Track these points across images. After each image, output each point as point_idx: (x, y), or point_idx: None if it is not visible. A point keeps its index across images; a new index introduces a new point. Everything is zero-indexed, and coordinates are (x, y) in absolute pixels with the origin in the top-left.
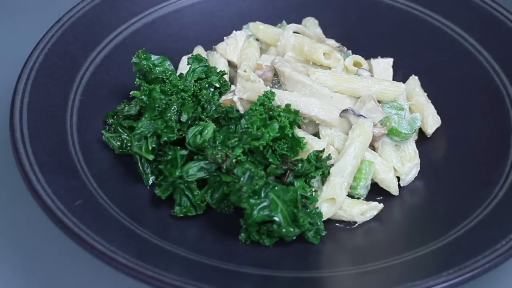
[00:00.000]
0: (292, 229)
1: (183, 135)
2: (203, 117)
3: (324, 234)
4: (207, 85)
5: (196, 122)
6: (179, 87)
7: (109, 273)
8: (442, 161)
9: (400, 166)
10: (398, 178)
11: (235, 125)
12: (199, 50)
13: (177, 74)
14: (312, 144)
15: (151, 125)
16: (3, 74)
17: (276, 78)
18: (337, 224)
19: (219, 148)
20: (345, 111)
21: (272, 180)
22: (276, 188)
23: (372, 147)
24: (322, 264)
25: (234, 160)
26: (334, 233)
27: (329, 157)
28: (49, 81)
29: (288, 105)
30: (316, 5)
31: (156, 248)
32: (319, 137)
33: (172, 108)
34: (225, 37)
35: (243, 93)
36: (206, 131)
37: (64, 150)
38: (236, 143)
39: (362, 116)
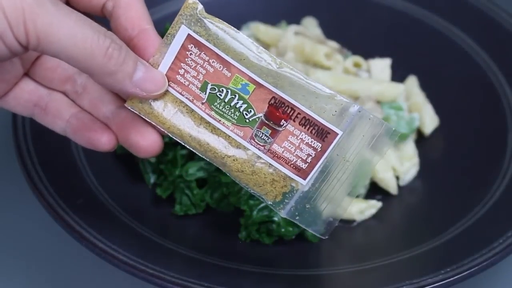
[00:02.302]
0: (291, 229)
1: None
2: None
3: None
4: None
5: None
6: None
7: (111, 271)
8: (440, 161)
9: (399, 165)
10: (397, 177)
11: None
12: None
13: None
14: None
15: None
16: None
17: None
18: None
19: None
20: None
21: None
22: None
23: None
24: (321, 262)
25: None
26: (333, 232)
27: None
28: None
29: None
30: (316, 5)
31: (157, 246)
32: None
33: None
34: None
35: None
36: None
37: (66, 149)
38: None
39: None
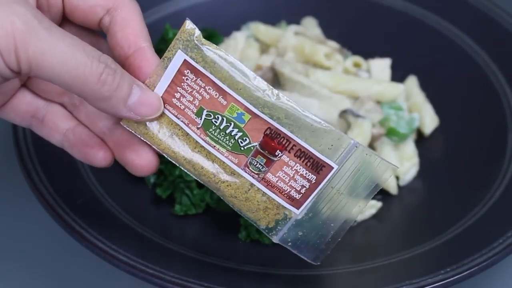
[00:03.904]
0: None
1: None
2: None
3: None
4: None
5: None
6: None
7: (111, 271)
8: (440, 161)
9: (399, 165)
10: (397, 177)
11: None
12: None
13: None
14: None
15: None
16: None
17: (276, 79)
18: None
19: None
20: (344, 111)
21: None
22: None
23: (371, 147)
24: (321, 262)
25: None
26: None
27: None
28: None
29: None
30: (315, 5)
31: (157, 246)
32: None
33: None
34: (225, 38)
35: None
36: None
37: None
38: None
39: (361, 116)
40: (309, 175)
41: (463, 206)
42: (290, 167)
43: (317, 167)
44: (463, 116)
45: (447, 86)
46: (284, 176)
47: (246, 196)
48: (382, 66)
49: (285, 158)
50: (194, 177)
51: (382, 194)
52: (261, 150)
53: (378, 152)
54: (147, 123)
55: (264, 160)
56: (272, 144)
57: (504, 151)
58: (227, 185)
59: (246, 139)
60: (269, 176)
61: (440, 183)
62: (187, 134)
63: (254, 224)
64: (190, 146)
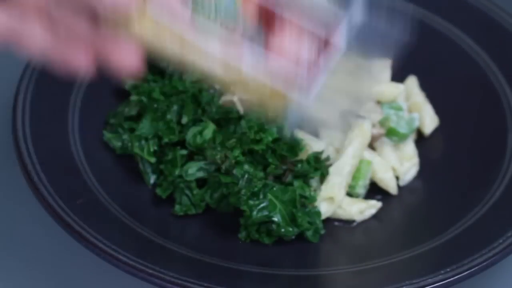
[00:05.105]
0: (291, 229)
1: (184, 136)
2: (204, 119)
3: (323, 232)
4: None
5: (197, 123)
6: (179, 88)
7: (110, 271)
8: (440, 161)
9: (398, 165)
10: (397, 177)
11: (235, 125)
12: None
13: None
14: (312, 145)
15: (152, 126)
16: (5, 74)
17: None
18: (336, 223)
19: (218, 148)
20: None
21: (271, 180)
22: (275, 188)
23: (371, 147)
24: (321, 262)
25: (233, 161)
26: (333, 232)
27: (328, 159)
28: (51, 80)
29: None
30: None
31: (157, 246)
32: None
33: (173, 109)
34: None
35: (243, 94)
36: (206, 131)
37: (66, 149)
38: (235, 144)
39: (361, 116)
40: (314, 49)
41: (463, 206)
42: (293, 41)
43: (323, 42)
44: (463, 116)
45: (447, 86)
46: (287, 48)
47: (246, 81)
48: (382, 66)
49: (286, 32)
50: (189, 71)
51: (382, 194)
52: (259, 29)
53: (378, 152)
54: (130, 15)
55: (263, 39)
56: (270, 21)
57: (504, 151)
58: (226, 70)
59: (240, 16)
60: (271, 53)
61: (440, 183)
62: (175, 19)
63: (261, 116)
64: (180, 32)
